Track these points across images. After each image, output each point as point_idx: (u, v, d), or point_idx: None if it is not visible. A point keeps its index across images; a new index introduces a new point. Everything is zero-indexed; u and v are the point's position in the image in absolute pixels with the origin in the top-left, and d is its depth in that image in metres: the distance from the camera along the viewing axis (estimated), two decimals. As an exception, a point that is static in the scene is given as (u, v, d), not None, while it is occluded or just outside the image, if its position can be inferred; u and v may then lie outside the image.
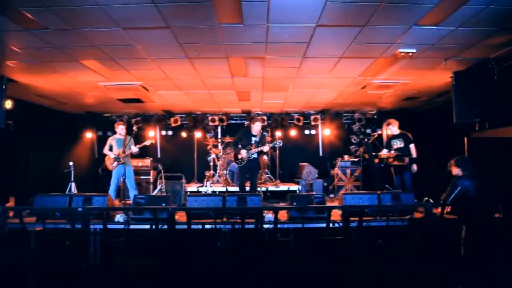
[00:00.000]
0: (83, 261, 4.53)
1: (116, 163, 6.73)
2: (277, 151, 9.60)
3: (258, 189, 6.92)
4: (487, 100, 5.44)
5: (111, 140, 6.98)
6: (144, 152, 8.82)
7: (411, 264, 4.37)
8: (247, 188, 6.74)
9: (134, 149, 6.85)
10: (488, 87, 5.39)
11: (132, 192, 6.78)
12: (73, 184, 7.81)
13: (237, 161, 6.65)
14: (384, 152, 6.74)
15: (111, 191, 6.73)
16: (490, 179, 4.71)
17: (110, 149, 6.90)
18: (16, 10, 3.77)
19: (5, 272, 4.31)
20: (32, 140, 8.23)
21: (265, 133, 6.97)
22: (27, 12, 3.84)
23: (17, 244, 4.65)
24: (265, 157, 9.05)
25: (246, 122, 10.55)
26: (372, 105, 9.49)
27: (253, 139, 6.60)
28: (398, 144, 6.66)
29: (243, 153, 6.50)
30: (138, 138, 7.64)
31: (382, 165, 6.64)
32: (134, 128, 8.05)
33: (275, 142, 6.75)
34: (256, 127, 6.63)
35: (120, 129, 6.99)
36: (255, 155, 6.55)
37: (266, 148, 6.50)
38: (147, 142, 7.07)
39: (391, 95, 8.00)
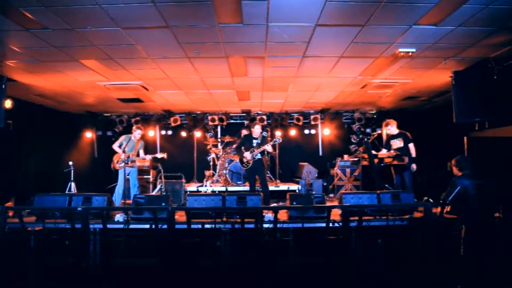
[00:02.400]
0: (83, 260, 4.53)
1: (123, 164, 6.76)
2: (277, 151, 9.59)
3: (258, 188, 6.99)
4: (487, 99, 5.44)
5: (123, 139, 7.01)
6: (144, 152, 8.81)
7: (411, 264, 4.37)
8: (258, 188, 6.98)
9: (143, 156, 6.98)
10: (488, 87, 5.40)
11: (133, 191, 6.80)
12: (72, 184, 7.82)
13: (244, 164, 6.86)
14: (383, 152, 6.74)
15: (119, 191, 6.74)
16: (490, 178, 4.70)
17: (120, 146, 6.95)
18: (16, 9, 3.77)
19: (5, 272, 4.31)
20: (32, 139, 8.23)
21: (264, 133, 7.11)
22: (27, 12, 3.84)
23: (17, 244, 4.65)
24: (265, 157, 9.07)
25: (246, 122, 10.56)
26: (372, 105, 9.49)
27: (255, 141, 6.80)
28: (397, 143, 6.66)
29: (247, 155, 6.67)
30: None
31: (382, 164, 6.64)
32: (134, 127, 8.06)
33: (274, 139, 6.86)
34: (257, 130, 6.84)
35: (138, 133, 7.04)
36: (259, 156, 6.74)
37: (268, 147, 6.69)
38: (159, 155, 7.10)
39: (391, 95, 8.00)
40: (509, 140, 5.65)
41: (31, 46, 4.82)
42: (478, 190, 4.49)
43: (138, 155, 7.03)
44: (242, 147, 6.87)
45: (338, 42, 4.85)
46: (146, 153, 7.13)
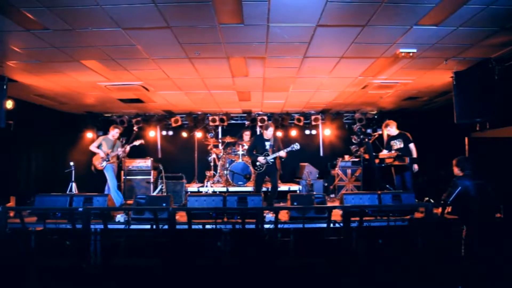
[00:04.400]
0: (84, 260, 4.53)
1: (105, 162, 6.81)
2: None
3: (264, 189, 6.96)
4: (488, 100, 5.43)
5: (101, 140, 7.11)
6: (144, 152, 8.83)
7: (412, 264, 4.37)
8: (263, 189, 6.89)
9: (121, 152, 7.05)
10: (489, 87, 5.39)
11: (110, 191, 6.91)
12: (73, 184, 7.81)
13: (256, 168, 6.65)
14: (384, 153, 6.73)
15: (114, 190, 6.78)
16: (491, 179, 4.70)
17: (99, 148, 7.03)
18: (17, 10, 3.77)
19: (5, 272, 4.31)
20: (32, 140, 8.24)
21: (278, 133, 6.93)
22: (27, 12, 3.84)
23: (18, 244, 4.65)
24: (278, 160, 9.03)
25: (246, 122, 10.55)
26: (373, 105, 9.47)
27: (267, 143, 6.59)
28: (398, 144, 6.65)
29: (261, 159, 6.49)
30: (138, 138, 7.67)
31: (383, 165, 6.64)
32: (135, 128, 8.13)
33: (292, 146, 6.43)
34: (269, 132, 6.61)
35: (115, 132, 7.14)
36: (273, 160, 6.54)
37: (283, 154, 6.44)
38: (136, 143, 7.20)
39: (391, 95, 7.99)
40: (510, 140, 5.64)
41: (32, 46, 4.83)
42: (479, 190, 4.49)
43: (118, 157, 7.12)
44: (254, 150, 6.66)
45: (338, 42, 4.85)
46: (134, 149, 7.26)
